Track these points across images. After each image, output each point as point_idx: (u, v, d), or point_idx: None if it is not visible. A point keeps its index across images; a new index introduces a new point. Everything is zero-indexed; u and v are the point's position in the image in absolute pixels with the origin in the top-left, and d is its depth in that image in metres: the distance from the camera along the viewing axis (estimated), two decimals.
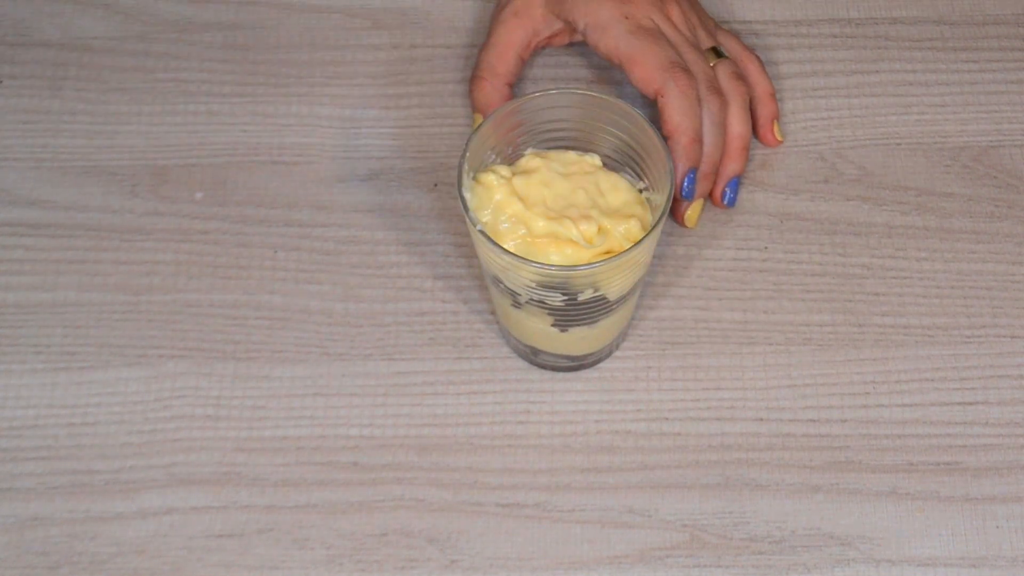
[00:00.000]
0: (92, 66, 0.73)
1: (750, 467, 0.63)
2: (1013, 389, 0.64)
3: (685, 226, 0.67)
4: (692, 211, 0.67)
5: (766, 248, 0.68)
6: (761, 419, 0.64)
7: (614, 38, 0.65)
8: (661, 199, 0.56)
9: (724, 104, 0.66)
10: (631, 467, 0.63)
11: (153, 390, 0.65)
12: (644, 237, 0.55)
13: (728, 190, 0.67)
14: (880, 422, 0.64)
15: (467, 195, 0.57)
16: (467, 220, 0.55)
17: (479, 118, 0.68)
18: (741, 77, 0.68)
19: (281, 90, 0.73)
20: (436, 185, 0.70)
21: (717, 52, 0.68)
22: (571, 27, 0.68)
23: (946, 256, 0.68)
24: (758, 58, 0.70)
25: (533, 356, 0.64)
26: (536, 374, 0.65)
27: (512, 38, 0.68)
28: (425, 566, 0.61)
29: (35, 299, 0.67)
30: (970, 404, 0.64)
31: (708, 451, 0.63)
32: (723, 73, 0.67)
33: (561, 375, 0.65)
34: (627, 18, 0.65)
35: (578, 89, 0.59)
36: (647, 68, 0.64)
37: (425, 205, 0.69)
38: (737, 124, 0.67)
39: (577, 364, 0.64)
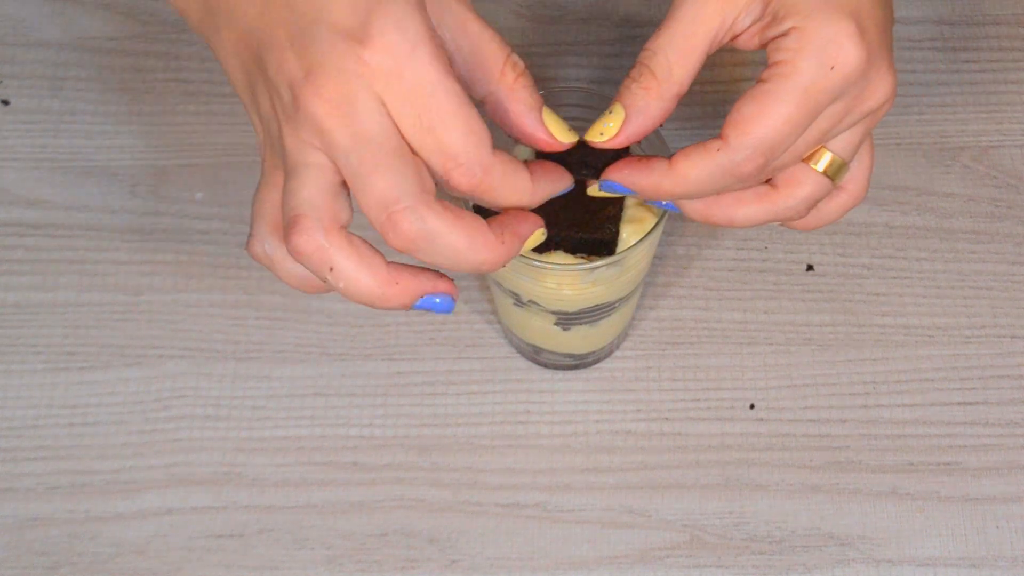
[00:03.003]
0: (92, 66, 0.73)
1: (750, 467, 0.63)
2: (1013, 389, 0.64)
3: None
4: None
5: (766, 248, 0.68)
6: (761, 419, 0.64)
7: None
8: None
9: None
10: (631, 467, 0.63)
11: (153, 390, 0.65)
12: (644, 237, 0.55)
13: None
14: (880, 422, 0.64)
15: None
16: None
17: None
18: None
19: None
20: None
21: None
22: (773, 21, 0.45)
23: (946, 256, 0.68)
24: None
25: (535, 354, 0.64)
26: (536, 374, 0.65)
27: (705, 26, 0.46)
28: (425, 566, 0.61)
29: (35, 299, 0.67)
30: (970, 404, 0.64)
31: (708, 451, 0.63)
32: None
33: (561, 374, 0.65)
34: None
35: (580, 86, 0.59)
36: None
37: None
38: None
39: (579, 362, 0.64)
